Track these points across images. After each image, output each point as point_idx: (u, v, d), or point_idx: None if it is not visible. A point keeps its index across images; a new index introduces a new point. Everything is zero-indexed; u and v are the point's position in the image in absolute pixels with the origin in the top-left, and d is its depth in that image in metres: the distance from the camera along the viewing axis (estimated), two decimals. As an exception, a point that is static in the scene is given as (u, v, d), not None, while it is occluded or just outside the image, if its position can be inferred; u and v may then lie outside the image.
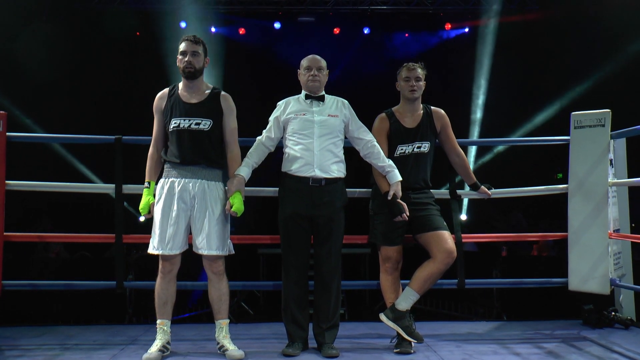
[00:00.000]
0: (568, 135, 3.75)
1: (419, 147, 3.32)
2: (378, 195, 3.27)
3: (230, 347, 3.08)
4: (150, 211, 3.09)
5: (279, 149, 3.29)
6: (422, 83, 3.36)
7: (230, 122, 3.15)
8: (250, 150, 3.22)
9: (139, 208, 3.11)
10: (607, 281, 3.56)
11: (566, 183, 3.76)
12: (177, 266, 3.12)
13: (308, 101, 3.26)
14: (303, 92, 3.29)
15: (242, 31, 9.26)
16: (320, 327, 3.19)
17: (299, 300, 3.20)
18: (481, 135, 8.98)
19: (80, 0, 8.68)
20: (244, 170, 3.12)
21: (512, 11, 8.94)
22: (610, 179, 3.67)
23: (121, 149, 3.55)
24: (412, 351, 3.15)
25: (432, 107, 3.42)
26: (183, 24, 8.83)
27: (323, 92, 3.29)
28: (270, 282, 3.99)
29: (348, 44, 9.35)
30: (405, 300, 3.18)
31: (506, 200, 5.83)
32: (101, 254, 6.34)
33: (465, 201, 8.15)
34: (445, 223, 3.27)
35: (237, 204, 3.04)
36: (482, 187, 3.56)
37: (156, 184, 3.13)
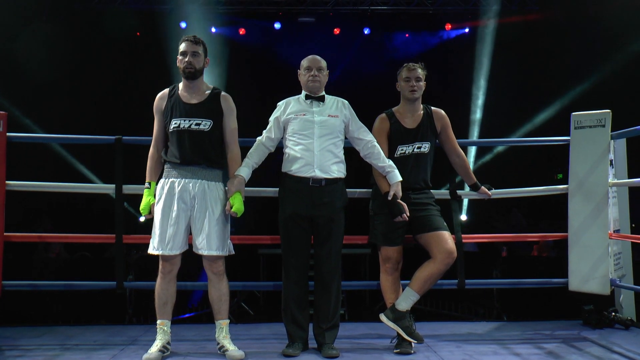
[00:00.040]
0: (568, 135, 3.75)
1: (419, 148, 3.32)
2: (378, 196, 3.27)
3: (231, 348, 3.08)
4: (151, 211, 3.09)
5: (279, 149, 3.29)
6: (423, 83, 3.35)
7: (231, 123, 3.15)
8: (251, 150, 3.22)
9: (140, 208, 3.11)
10: (607, 281, 3.56)
11: (566, 183, 3.76)
12: (177, 266, 3.12)
13: (308, 101, 3.26)
14: (303, 93, 3.29)
15: (242, 31, 9.26)
16: (320, 328, 3.19)
17: (299, 301, 3.20)
18: (481, 136, 8.98)
19: (80, 0, 8.68)
20: (244, 171, 3.12)
21: (512, 11, 8.95)
22: (611, 180, 3.67)
23: (121, 149, 3.55)
24: (412, 351, 3.15)
25: (432, 108, 3.42)
26: (183, 24, 8.83)
27: (323, 93, 3.29)
28: (270, 283, 3.99)
29: (348, 45, 9.35)
30: (406, 300, 3.18)
31: (506, 200, 5.83)
32: (101, 254, 6.35)
33: (465, 201, 8.15)
34: (445, 223, 3.27)
35: (237, 205, 3.04)
36: (483, 187, 3.56)
37: (156, 184, 3.13)
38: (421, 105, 3.41)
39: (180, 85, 3.16)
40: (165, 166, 3.12)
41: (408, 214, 3.15)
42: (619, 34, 7.80)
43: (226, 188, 3.10)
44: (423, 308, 6.32)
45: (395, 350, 3.18)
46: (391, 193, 3.16)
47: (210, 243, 3.05)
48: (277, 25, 9.20)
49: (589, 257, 3.60)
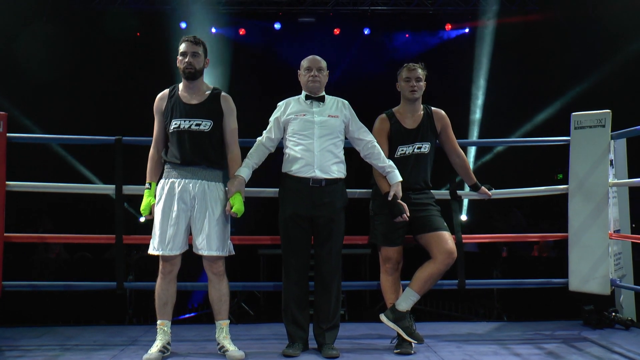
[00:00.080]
0: (568, 135, 3.75)
1: (419, 148, 3.32)
2: (378, 196, 3.27)
3: (231, 348, 3.07)
4: (151, 212, 3.09)
5: (279, 149, 3.29)
6: (423, 83, 3.35)
7: (231, 123, 3.15)
8: (251, 151, 3.22)
9: (140, 209, 3.11)
10: (608, 282, 3.56)
11: (566, 183, 3.75)
12: (178, 267, 3.12)
13: (308, 102, 3.26)
14: (303, 93, 3.29)
15: (242, 32, 9.26)
16: (320, 328, 3.19)
17: (299, 301, 3.19)
18: (481, 136, 8.98)
19: (80, 0, 8.68)
20: (244, 171, 3.12)
21: (512, 12, 8.95)
22: (611, 180, 3.66)
23: (121, 150, 3.55)
24: (412, 352, 3.15)
25: (432, 108, 3.42)
26: (183, 25, 8.84)
27: (323, 93, 3.29)
28: (270, 283, 3.98)
29: (348, 45, 9.35)
30: (406, 300, 3.18)
31: (506, 200, 5.83)
32: (101, 254, 6.34)
33: (466, 202, 8.14)
34: (445, 224, 3.27)
35: (237, 205, 3.04)
36: (483, 187, 3.55)
37: (157, 184, 3.13)
38: (421, 106, 3.40)
39: (181, 85, 3.16)
40: (166, 167, 3.12)
41: (408, 214, 3.15)
42: (619, 34, 7.80)
43: (226, 188, 3.10)
44: (423, 308, 6.33)
45: (395, 351, 3.18)
46: (391, 193, 3.15)
47: (210, 243, 3.05)
48: (277, 26, 9.21)
49: (589, 257, 3.60)
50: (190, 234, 3.10)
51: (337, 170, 3.19)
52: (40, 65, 7.70)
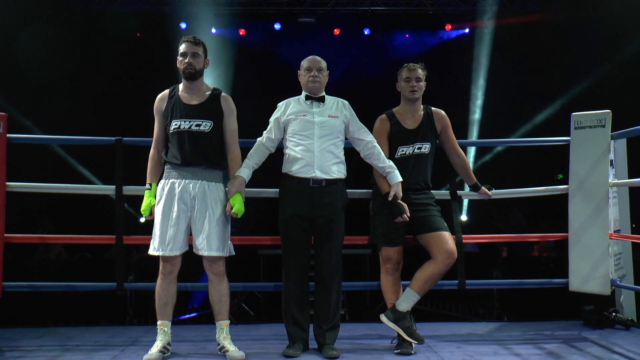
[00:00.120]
0: (568, 135, 3.75)
1: (419, 148, 3.32)
2: (378, 196, 3.27)
3: (231, 348, 3.08)
4: (151, 213, 3.09)
5: (280, 149, 3.29)
6: (423, 84, 3.35)
7: (231, 124, 3.15)
8: (251, 151, 3.22)
9: (141, 210, 3.11)
10: (608, 282, 3.56)
11: (567, 184, 3.75)
12: (178, 267, 3.12)
13: (308, 102, 3.26)
14: (303, 93, 3.29)
15: (242, 32, 9.26)
16: (320, 328, 3.19)
17: (300, 301, 3.19)
18: (482, 136, 8.98)
19: (80, 0, 8.68)
20: (245, 172, 3.12)
21: (512, 12, 8.95)
22: (611, 180, 3.66)
23: (121, 150, 3.55)
24: (412, 352, 3.15)
25: (432, 108, 3.42)
26: (183, 25, 8.84)
27: (323, 93, 3.29)
28: (270, 283, 3.99)
29: (348, 45, 9.36)
30: (406, 301, 3.18)
31: (506, 200, 5.83)
32: (101, 255, 6.34)
33: (466, 202, 8.15)
34: (445, 224, 3.27)
35: (237, 205, 3.04)
36: (483, 187, 3.55)
37: (157, 185, 3.13)
38: (421, 106, 3.40)
39: (181, 86, 3.16)
40: (166, 167, 3.12)
41: (408, 214, 3.15)
42: (619, 34, 7.80)
43: (226, 189, 3.10)
44: (423, 308, 6.32)
45: (395, 351, 3.18)
46: (391, 193, 3.15)
47: (211, 244, 3.05)
48: (277, 26, 9.21)
49: (589, 257, 3.59)
50: (191, 234, 3.10)
51: (337, 171, 3.19)
52: (40, 66, 7.70)
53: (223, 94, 3.17)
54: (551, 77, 8.62)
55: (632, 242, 3.87)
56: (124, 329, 3.81)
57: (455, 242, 3.30)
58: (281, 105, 3.30)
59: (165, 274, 3.09)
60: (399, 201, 3.14)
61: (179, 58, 3.11)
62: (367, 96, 6.89)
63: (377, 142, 3.26)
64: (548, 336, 3.53)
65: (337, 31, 9.33)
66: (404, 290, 3.25)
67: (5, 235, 3.44)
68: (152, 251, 3.07)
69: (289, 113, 3.23)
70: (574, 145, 3.72)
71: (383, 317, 3.21)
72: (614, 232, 3.68)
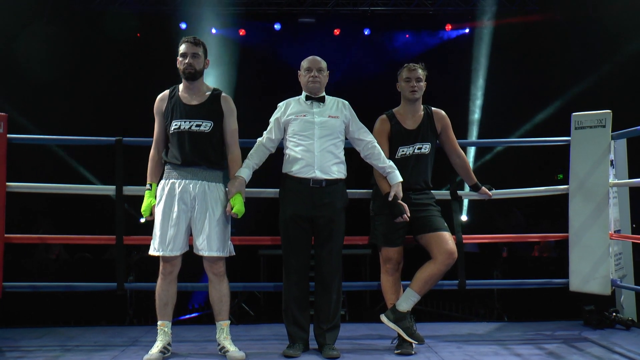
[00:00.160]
0: (569, 135, 3.75)
1: (419, 149, 3.32)
2: (379, 196, 3.27)
3: (231, 349, 3.07)
4: (152, 213, 3.09)
5: (280, 150, 3.29)
6: (423, 84, 3.35)
7: (231, 124, 3.15)
8: (251, 151, 3.22)
9: (141, 210, 3.11)
10: (608, 282, 3.56)
11: (567, 184, 3.75)
12: (178, 267, 3.12)
13: (308, 102, 3.26)
14: (303, 93, 3.29)
15: (242, 32, 9.26)
16: (321, 328, 3.19)
17: (300, 301, 3.19)
18: (482, 136, 8.98)
19: (80, 1, 8.68)
20: (245, 172, 3.12)
21: (512, 12, 8.95)
22: (611, 180, 3.66)
23: (122, 151, 3.55)
24: (413, 352, 3.15)
25: (432, 108, 3.42)
26: (183, 25, 8.85)
27: (323, 93, 3.29)
28: (270, 283, 3.99)
29: (348, 45, 9.36)
30: (406, 301, 3.18)
31: (506, 201, 5.83)
32: (101, 255, 6.35)
33: (466, 202, 8.15)
34: (446, 224, 3.27)
35: (237, 206, 3.04)
36: (483, 187, 3.55)
37: (157, 185, 3.13)
38: (421, 106, 3.40)
39: (181, 86, 3.16)
40: (166, 167, 3.12)
41: (408, 214, 3.15)
42: (619, 34, 7.80)
43: (227, 189, 3.10)
44: (424, 309, 6.33)
45: (396, 351, 3.17)
46: (392, 194, 3.15)
47: (211, 244, 3.05)
48: (277, 26, 9.21)
49: (589, 257, 3.59)
50: (191, 234, 3.10)
51: (338, 171, 3.19)
52: (40, 66, 7.70)
53: (223, 94, 3.17)
54: (551, 77, 8.63)
55: (633, 242, 3.87)
56: (124, 329, 3.81)
57: (456, 242, 3.30)
58: (281, 105, 3.30)
59: (165, 274, 3.09)
60: (399, 201, 3.14)
61: (179, 58, 3.11)
62: (367, 96, 6.89)
63: (378, 143, 3.26)
64: (548, 336, 3.53)
65: (337, 31, 9.33)
66: (404, 291, 3.25)
67: (6, 235, 3.44)
68: (152, 251, 3.07)
69: (289, 113, 3.23)
70: (574, 145, 3.71)
71: (383, 318, 3.21)
72: (614, 232, 3.68)
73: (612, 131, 3.64)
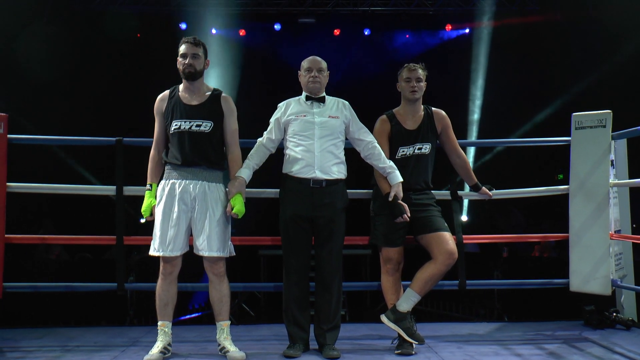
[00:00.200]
0: (569, 135, 3.75)
1: (420, 149, 3.32)
2: (379, 197, 3.27)
3: (232, 349, 3.07)
4: (152, 213, 3.09)
5: (280, 150, 3.29)
6: (423, 84, 3.35)
7: (231, 124, 3.15)
8: (251, 152, 3.22)
9: (142, 210, 3.11)
10: (609, 282, 3.56)
11: (567, 184, 3.75)
12: (178, 268, 3.12)
13: (308, 102, 3.26)
14: (303, 94, 3.29)
15: (242, 32, 9.26)
16: (321, 329, 3.19)
17: (300, 302, 3.19)
18: (482, 136, 8.98)
19: (80, 1, 8.68)
20: (245, 172, 3.12)
21: (512, 12, 8.95)
22: (612, 180, 3.66)
23: (122, 151, 3.55)
24: (413, 352, 3.15)
25: (433, 108, 3.42)
26: (183, 26, 8.85)
27: (324, 94, 3.29)
28: (271, 284, 3.98)
29: (348, 45, 9.35)
30: (407, 301, 3.18)
31: (506, 201, 5.83)
32: (102, 255, 6.34)
33: (466, 202, 8.15)
34: (446, 224, 3.27)
35: (238, 206, 3.04)
36: (483, 188, 3.55)
37: (157, 185, 3.13)
38: (422, 106, 3.40)
39: (181, 86, 3.16)
40: (166, 167, 3.12)
41: (409, 214, 3.15)
42: (619, 34, 7.80)
43: (227, 189, 3.10)
44: (424, 309, 6.32)
45: (396, 351, 3.17)
46: (392, 194, 3.15)
47: (211, 244, 3.05)
48: (277, 26, 9.21)
49: (590, 257, 3.59)
50: (191, 235, 3.10)
51: (338, 171, 3.19)
52: (40, 66, 7.70)
53: (223, 94, 3.17)
54: (551, 77, 8.62)
55: (633, 243, 3.87)
56: (124, 330, 3.81)
57: (456, 243, 3.30)
58: (281, 105, 3.30)
59: (165, 275, 3.09)
60: (400, 201, 3.14)
61: (179, 59, 3.10)
62: (368, 96, 6.90)
63: (378, 143, 3.26)
64: (549, 336, 3.53)
65: (337, 31, 9.33)
66: (404, 291, 3.25)
67: (6, 235, 3.44)
68: (152, 252, 3.07)
69: (289, 113, 3.23)
70: (574, 145, 3.71)
71: (383, 318, 3.21)
72: (615, 232, 3.68)
73: (613, 131, 3.64)
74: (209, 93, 3.15)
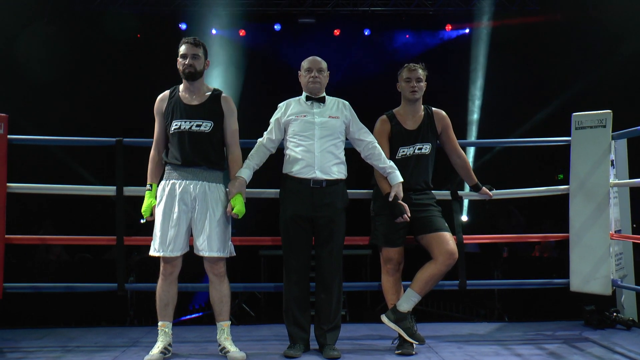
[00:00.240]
0: (569, 135, 3.75)
1: (420, 149, 3.32)
2: (379, 197, 3.27)
3: (232, 349, 3.07)
4: (152, 214, 3.09)
5: (280, 150, 3.29)
6: (423, 84, 3.35)
7: (231, 124, 3.15)
8: (251, 152, 3.22)
9: (142, 210, 3.11)
10: (609, 282, 3.56)
11: (567, 184, 3.75)
12: (178, 268, 3.12)
13: (309, 103, 3.26)
14: (304, 94, 3.29)
15: (242, 33, 9.26)
16: (321, 329, 3.18)
17: (300, 302, 3.19)
18: (481, 136, 8.98)
19: (81, 2, 8.68)
20: (245, 172, 3.12)
21: (512, 12, 8.95)
22: (612, 180, 3.66)
23: (122, 151, 3.55)
24: (413, 352, 3.15)
25: (433, 109, 3.42)
26: (183, 26, 8.85)
27: (324, 94, 3.29)
28: (271, 284, 3.99)
29: (348, 46, 9.35)
30: (407, 301, 3.18)
31: (506, 201, 5.83)
32: (102, 255, 6.34)
33: (466, 202, 8.15)
34: (446, 224, 3.27)
35: (238, 206, 3.04)
36: (484, 188, 3.55)
37: (158, 186, 3.13)
38: (422, 106, 3.40)
39: (181, 86, 3.16)
40: (166, 168, 3.12)
41: (409, 214, 3.15)
42: (619, 34, 7.80)
43: (227, 190, 3.10)
44: (424, 309, 6.32)
45: (396, 352, 3.17)
46: (392, 194, 3.15)
47: (211, 244, 3.05)
48: (277, 27, 9.21)
49: (590, 257, 3.59)
50: (191, 235, 3.10)
51: (338, 171, 3.19)
52: (40, 67, 7.70)
53: (223, 94, 3.17)
54: (551, 77, 8.62)
55: (633, 243, 3.87)
56: (124, 330, 3.81)
57: (456, 243, 3.30)
58: (281, 106, 3.30)
59: (165, 275, 3.09)
60: (400, 202, 3.14)
61: (179, 59, 3.10)
62: (368, 96, 6.89)
63: (378, 143, 3.26)
64: (549, 336, 3.53)
65: (337, 32, 9.33)
66: (404, 291, 3.25)
67: (6, 236, 3.44)
68: (152, 252, 3.07)
69: (290, 114, 3.23)
70: (574, 145, 3.71)
71: (384, 318, 3.21)
72: (615, 232, 3.68)
73: (613, 131, 3.64)
74: (209, 93, 3.15)
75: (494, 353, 3.18)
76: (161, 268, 3.09)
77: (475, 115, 9.18)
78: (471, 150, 9.07)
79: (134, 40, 9.08)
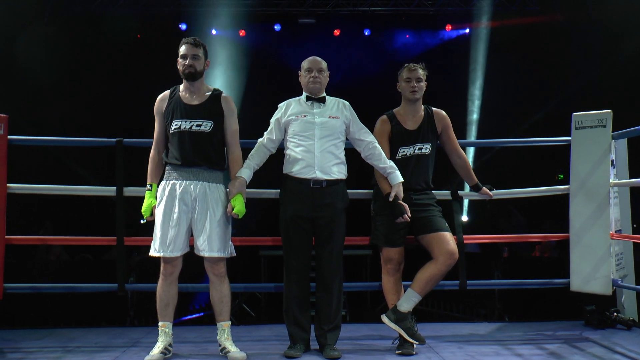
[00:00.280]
0: (569, 135, 3.75)
1: (420, 149, 3.32)
2: (379, 197, 3.27)
3: (232, 349, 3.07)
4: (152, 214, 3.09)
5: (280, 150, 3.29)
6: (423, 84, 3.35)
7: (232, 124, 3.15)
8: (252, 152, 3.22)
9: (142, 211, 3.11)
10: (609, 282, 3.56)
11: (567, 184, 3.75)
12: (179, 268, 3.12)
13: (309, 103, 3.26)
14: (304, 94, 3.30)
15: (242, 33, 9.26)
16: (321, 329, 3.18)
17: (301, 302, 3.19)
18: (481, 136, 8.98)
19: (80, 2, 8.68)
20: (245, 172, 3.12)
21: (512, 12, 8.95)
22: (612, 180, 3.66)
23: (122, 151, 3.55)
24: (414, 352, 3.15)
25: (433, 109, 3.42)
26: (183, 26, 8.85)
27: (324, 94, 3.29)
28: (271, 284, 3.98)
29: (348, 46, 9.36)
30: (407, 301, 3.18)
31: (505, 201, 5.82)
32: (102, 256, 6.34)
33: (466, 202, 8.14)
34: (447, 224, 3.27)
35: (238, 206, 3.04)
36: (484, 188, 3.55)
37: (158, 186, 3.13)
38: (422, 106, 3.40)
39: (181, 87, 3.16)
40: (167, 168, 3.12)
41: (409, 214, 3.15)
42: (619, 34, 7.80)
43: (227, 190, 3.10)
44: (424, 309, 6.32)
45: (397, 352, 3.17)
46: (392, 194, 3.15)
47: (212, 245, 3.05)
48: (277, 27, 9.21)
49: (590, 257, 3.59)
50: (192, 235, 3.10)
51: (338, 171, 3.19)
52: (40, 67, 7.70)
53: (224, 94, 3.17)
54: (551, 77, 8.62)
55: (633, 242, 3.87)
56: (125, 330, 3.81)
57: (456, 243, 3.30)
58: (282, 106, 3.30)
59: (166, 275, 3.09)
60: (400, 202, 3.14)
61: (179, 60, 3.11)
62: (368, 97, 6.89)
63: (378, 143, 3.26)
64: (549, 336, 3.53)
65: (337, 32, 9.33)
66: (405, 291, 3.25)
67: (6, 236, 3.44)
68: (152, 252, 3.07)
69: (290, 114, 3.23)
70: (574, 145, 3.71)
71: (384, 318, 3.21)
72: (615, 232, 3.68)
73: (613, 131, 3.64)
74: (209, 93, 3.15)
75: (494, 353, 3.18)
76: (161, 268, 3.09)
77: (475, 115, 9.18)
78: (471, 150, 9.07)
79: (134, 40, 9.08)
